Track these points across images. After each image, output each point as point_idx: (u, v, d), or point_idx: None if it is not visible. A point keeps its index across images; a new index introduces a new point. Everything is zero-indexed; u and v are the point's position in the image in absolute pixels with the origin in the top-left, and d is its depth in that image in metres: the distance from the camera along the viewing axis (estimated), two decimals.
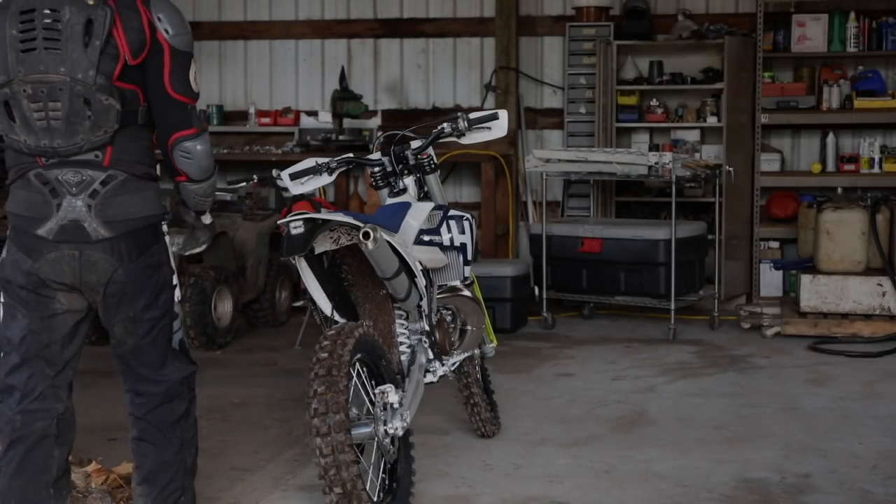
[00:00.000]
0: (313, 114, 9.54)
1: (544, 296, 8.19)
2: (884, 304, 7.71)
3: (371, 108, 9.59)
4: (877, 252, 7.85)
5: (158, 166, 3.62)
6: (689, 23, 9.12)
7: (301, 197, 7.05)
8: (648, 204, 9.29)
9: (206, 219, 3.77)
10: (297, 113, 9.74)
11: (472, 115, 4.88)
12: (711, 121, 9.07)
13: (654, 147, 9.17)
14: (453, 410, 5.73)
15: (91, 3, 3.29)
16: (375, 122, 9.49)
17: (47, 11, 3.27)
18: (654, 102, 9.24)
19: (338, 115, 9.22)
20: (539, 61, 9.67)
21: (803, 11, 8.91)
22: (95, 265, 3.42)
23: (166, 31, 3.41)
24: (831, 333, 7.67)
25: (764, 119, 8.75)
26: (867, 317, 7.73)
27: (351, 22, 9.94)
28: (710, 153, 9.14)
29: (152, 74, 3.42)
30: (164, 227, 3.62)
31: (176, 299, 3.68)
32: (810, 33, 8.87)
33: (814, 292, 7.80)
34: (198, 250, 3.89)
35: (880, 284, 7.73)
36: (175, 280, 3.66)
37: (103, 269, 3.43)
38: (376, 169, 4.91)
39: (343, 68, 9.52)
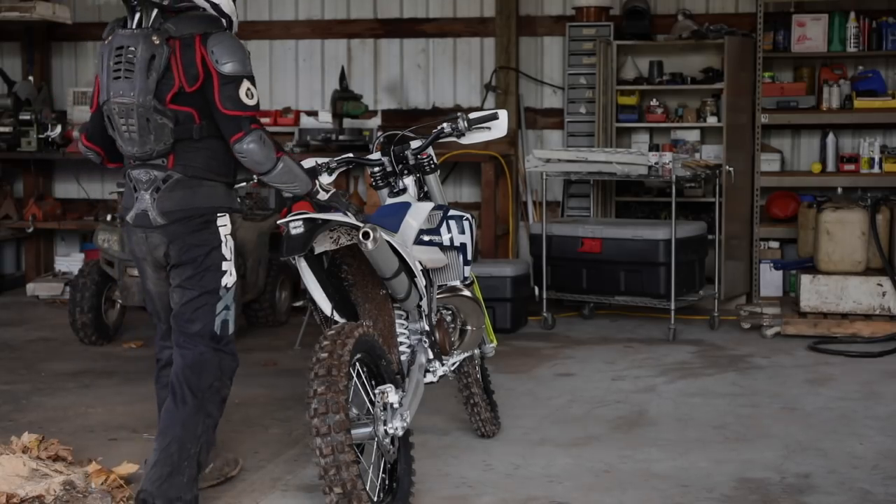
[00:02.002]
0: (313, 114, 9.54)
1: (544, 296, 8.18)
2: (884, 304, 7.71)
3: (371, 108, 9.59)
4: (877, 252, 7.85)
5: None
6: (689, 23, 9.11)
7: (301, 197, 7.04)
8: (648, 204, 9.28)
9: (322, 196, 4.44)
10: (297, 113, 9.74)
11: (472, 115, 4.88)
12: (711, 121, 9.07)
13: (654, 147, 9.17)
14: (453, 410, 5.73)
15: (157, 42, 4.15)
16: (375, 122, 9.49)
17: (131, 48, 4.17)
18: (654, 102, 9.24)
19: (338, 115, 9.21)
20: (539, 61, 9.67)
21: (803, 11, 8.91)
22: (156, 245, 4.29)
23: (216, 62, 4.19)
24: (831, 333, 7.67)
25: (764, 119, 8.75)
26: (867, 317, 7.73)
27: (351, 22, 9.94)
28: (710, 153, 9.14)
29: (208, 96, 4.21)
30: (223, 220, 4.31)
31: (225, 284, 4.31)
32: (810, 33, 8.87)
33: (814, 292, 7.80)
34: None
35: (880, 284, 7.72)
36: (226, 266, 4.33)
37: (160, 247, 4.29)
38: (376, 169, 4.91)
39: (343, 68, 9.52)
